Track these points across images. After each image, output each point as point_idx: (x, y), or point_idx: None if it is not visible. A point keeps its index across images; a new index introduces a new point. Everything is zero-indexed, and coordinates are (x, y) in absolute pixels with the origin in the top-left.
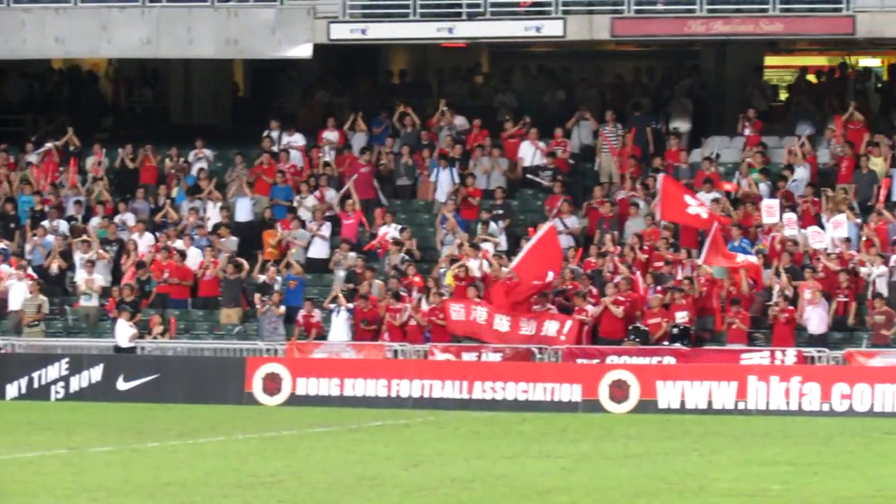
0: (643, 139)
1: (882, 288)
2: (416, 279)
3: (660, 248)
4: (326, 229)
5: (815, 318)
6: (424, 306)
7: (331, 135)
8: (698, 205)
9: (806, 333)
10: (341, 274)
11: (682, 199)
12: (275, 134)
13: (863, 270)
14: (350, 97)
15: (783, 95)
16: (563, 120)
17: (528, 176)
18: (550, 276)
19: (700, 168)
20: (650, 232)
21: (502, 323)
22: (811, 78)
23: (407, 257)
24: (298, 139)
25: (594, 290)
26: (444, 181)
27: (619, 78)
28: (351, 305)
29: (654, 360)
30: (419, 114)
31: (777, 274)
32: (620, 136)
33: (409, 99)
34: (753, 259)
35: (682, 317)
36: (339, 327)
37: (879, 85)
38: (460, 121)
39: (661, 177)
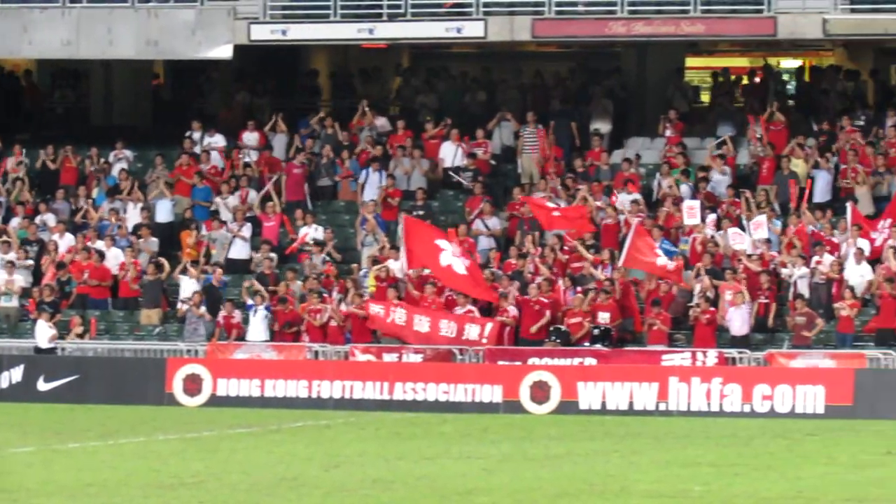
0: (565, 140)
1: (803, 289)
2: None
3: (580, 249)
4: (247, 230)
5: (738, 320)
6: (344, 307)
7: (251, 136)
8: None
9: (728, 335)
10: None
11: (545, 206)
12: (196, 135)
13: (784, 272)
14: (271, 98)
15: (705, 97)
16: (485, 121)
17: (450, 175)
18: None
19: (620, 169)
20: (571, 233)
21: (422, 324)
22: (733, 79)
23: (328, 258)
24: (219, 140)
25: (515, 292)
26: (373, 183)
27: (541, 79)
28: (267, 304)
29: (576, 361)
30: (341, 115)
31: (698, 275)
32: (541, 137)
33: (330, 100)
34: (671, 265)
35: (603, 318)
36: (258, 327)
37: (792, 87)
38: (382, 122)
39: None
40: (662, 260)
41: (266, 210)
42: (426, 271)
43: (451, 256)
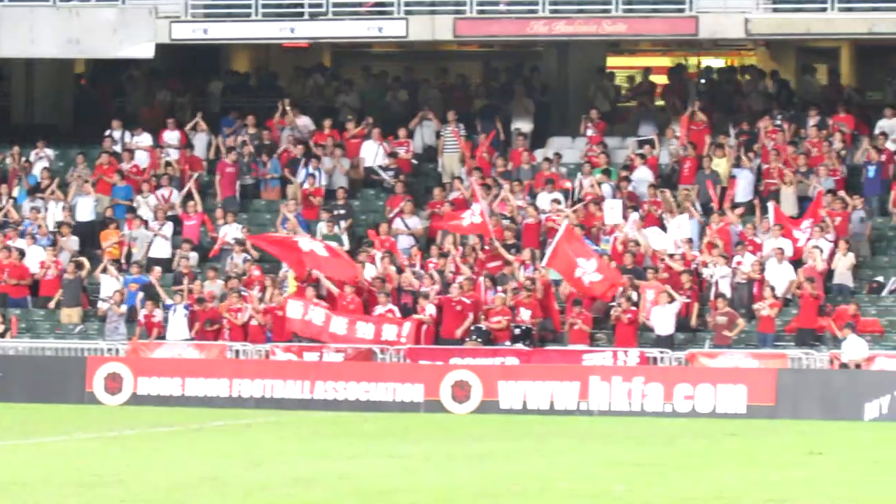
0: (495, 141)
1: (725, 289)
2: (258, 278)
3: (500, 249)
4: (168, 229)
5: (661, 319)
6: (265, 306)
7: (171, 134)
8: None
9: (649, 335)
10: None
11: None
12: (116, 133)
13: (705, 271)
14: (192, 97)
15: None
16: (406, 120)
17: (372, 175)
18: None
19: (540, 169)
20: (493, 232)
21: (339, 325)
22: (655, 79)
23: (248, 257)
24: (146, 139)
25: (436, 290)
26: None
27: (462, 78)
28: (186, 303)
29: (497, 360)
30: (262, 114)
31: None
32: (463, 136)
33: (252, 99)
34: (587, 280)
35: (524, 317)
36: (178, 325)
37: (713, 85)
38: (304, 121)
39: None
40: (581, 272)
41: (187, 209)
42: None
43: (309, 242)
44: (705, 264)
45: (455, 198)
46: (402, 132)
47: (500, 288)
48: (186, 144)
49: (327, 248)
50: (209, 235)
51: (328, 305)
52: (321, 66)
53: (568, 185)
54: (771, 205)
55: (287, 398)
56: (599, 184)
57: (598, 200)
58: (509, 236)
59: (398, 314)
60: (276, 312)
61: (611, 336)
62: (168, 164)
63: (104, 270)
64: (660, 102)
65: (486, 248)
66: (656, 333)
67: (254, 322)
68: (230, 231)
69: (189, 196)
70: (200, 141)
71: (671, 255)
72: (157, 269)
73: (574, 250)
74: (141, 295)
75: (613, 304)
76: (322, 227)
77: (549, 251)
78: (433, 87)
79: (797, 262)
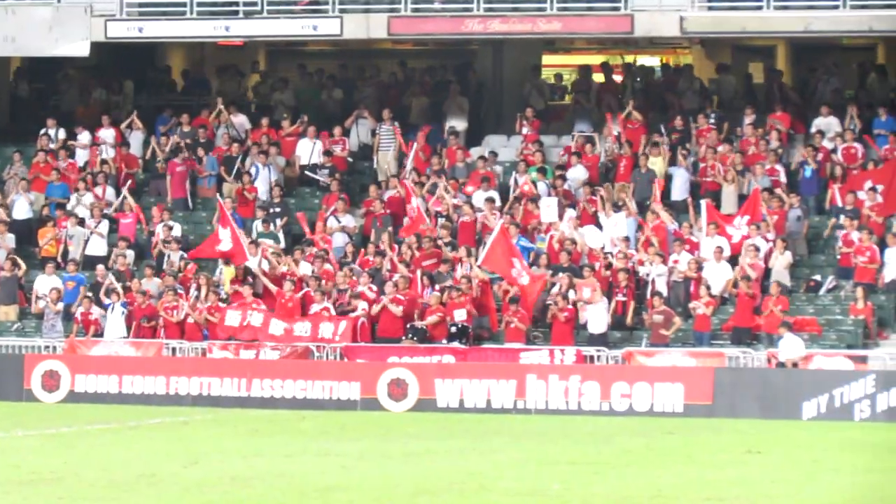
0: (428, 137)
1: (661, 287)
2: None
3: (438, 246)
4: (104, 227)
5: (595, 318)
6: (200, 305)
7: (107, 132)
8: (520, 271)
9: (586, 333)
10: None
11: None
12: (52, 131)
13: (641, 270)
14: (127, 95)
15: (564, 94)
16: (342, 119)
17: (306, 174)
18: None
19: (476, 167)
20: (428, 230)
21: (277, 327)
22: (596, 78)
23: (184, 255)
24: (84, 137)
25: (373, 288)
26: (264, 178)
27: (397, 77)
28: (123, 300)
29: (434, 358)
30: (196, 112)
31: (555, 273)
32: (398, 134)
33: (186, 98)
34: (524, 279)
35: (460, 315)
36: (115, 323)
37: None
38: (241, 119)
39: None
40: (517, 271)
41: (123, 207)
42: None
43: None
44: (642, 262)
45: (391, 196)
46: (337, 130)
47: (436, 286)
48: (122, 142)
49: (232, 236)
50: (145, 232)
51: (265, 307)
52: (256, 64)
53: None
54: (703, 203)
55: (224, 396)
56: (535, 182)
57: (534, 198)
58: (445, 234)
59: (333, 312)
60: (212, 314)
61: (548, 335)
62: (104, 161)
63: (43, 268)
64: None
65: (423, 246)
66: (590, 331)
67: (190, 320)
68: (161, 231)
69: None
70: (136, 139)
71: (607, 254)
72: (101, 268)
73: (509, 250)
74: (82, 291)
75: (550, 302)
76: (258, 226)
77: (484, 251)
78: (368, 85)
79: (733, 258)
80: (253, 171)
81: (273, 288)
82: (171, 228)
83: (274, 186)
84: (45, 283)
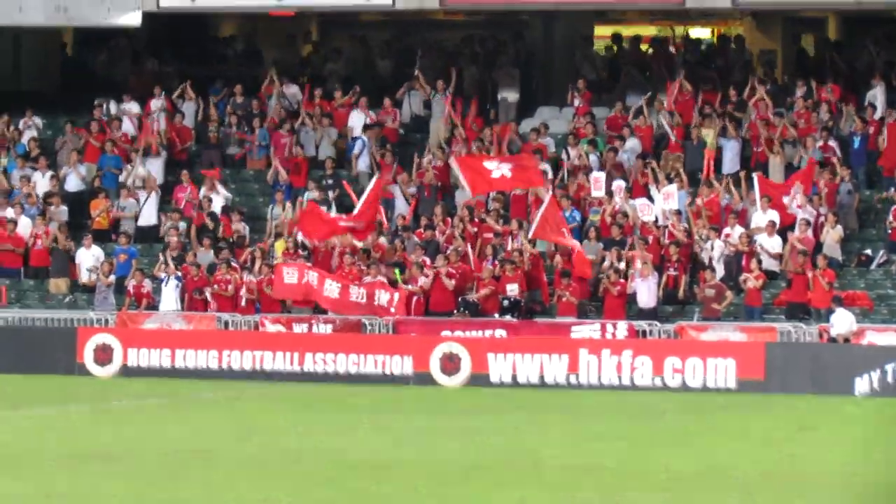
0: (480, 108)
1: (713, 261)
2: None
3: (488, 219)
4: (155, 199)
5: (645, 292)
6: (253, 278)
7: (158, 103)
8: (499, 165)
9: (637, 307)
10: (172, 240)
11: (482, 167)
12: (107, 104)
13: (694, 243)
14: (179, 66)
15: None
16: (394, 89)
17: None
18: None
19: (527, 139)
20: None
21: (332, 288)
22: (644, 48)
23: (242, 228)
24: (133, 107)
25: (426, 262)
26: (363, 160)
27: (449, 47)
28: (177, 274)
29: (486, 333)
30: (249, 83)
31: (607, 247)
32: (450, 104)
33: (239, 68)
34: (577, 244)
35: (512, 289)
36: (169, 297)
37: (700, 56)
38: (293, 90)
39: (453, 159)
40: (568, 240)
41: (181, 179)
42: (335, 241)
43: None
44: (694, 236)
45: (438, 166)
46: (388, 101)
47: (489, 259)
48: (174, 113)
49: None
50: (196, 204)
51: (321, 270)
52: (308, 35)
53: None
54: (756, 176)
55: (276, 370)
56: (586, 154)
57: (586, 172)
58: (497, 207)
59: (387, 284)
60: (264, 287)
61: (599, 308)
62: (157, 132)
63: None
64: (648, 72)
65: (476, 219)
66: (641, 306)
67: (243, 294)
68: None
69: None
70: (189, 110)
71: (658, 227)
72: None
73: (560, 221)
74: (134, 264)
75: (602, 276)
76: (311, 197)
77: (535, 223)
78: (420, 55)
79: (783, 231)
80: (306, 141)
81: (333, 262)
82: (210, 201)
83: (326, 158)
84: (91, 257)
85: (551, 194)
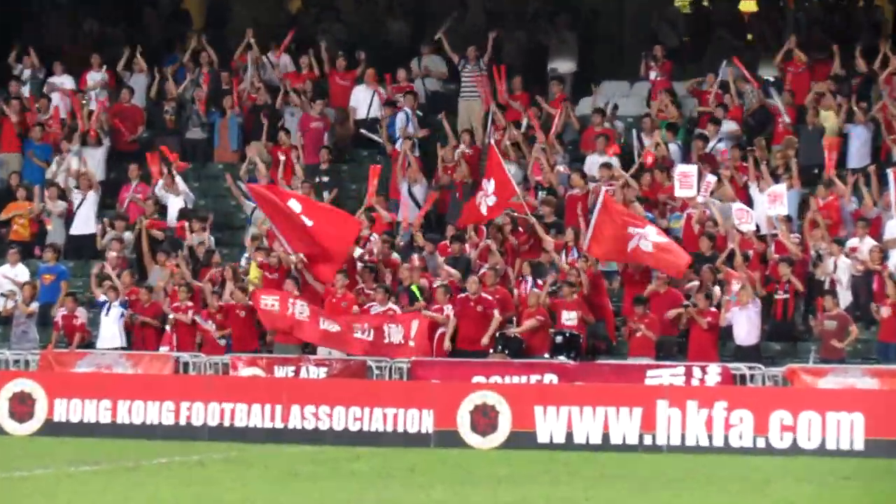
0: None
1: (835, 283)
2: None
3: (538, 229)
4: (93, 200)
5: (744, 324)
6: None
7: (97, 76)
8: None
9: (733, 344)
10: (114, 255)
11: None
12: (28, 72)
13: (809, 260)
14: (126, 28)
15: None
16: (410, 58)
17: (362, 132)
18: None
19: (589, 123)
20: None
21: (332, 324)
22: (746, 6)
23: (205, 240)
24: (66, 81)
25: (455, 281)
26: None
27: (486, 6)
28: (123, 299)
29: (532, 378)
30: (219, 50)
31: (693, 266)
32: (484, 82)
33: (206, 29)
34: (662, 240)
35: (569, 319)
36: (110, 330)
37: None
38: (285, 60)
39: (602, 193)
40: (638, 239)
41: (129, 174)
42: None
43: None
44: (809, 250)
45: (469, 155)
46: (403, 74)
47: (536, 281)
48: (118, 89)
49: (323, 212)
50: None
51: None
52: None
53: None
54: (890, 172)
55: (252, 427)
56: (666, 143)
57: (665, 165)
58: (548, 212)
59: (398, 312)
60: (237, 312)
61: (683, 346)
62: (91, 113)
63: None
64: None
65: (520, 228)
66: (739, 342)
67: (210, 326)
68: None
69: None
70: (139, 84)
71: (761, 238)
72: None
73: (620, 222)
74: (64, 287)
75: (686, 303)
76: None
77: (588, 233)
78: (447, 14)
79: None
80: (292, 126)
81: (319, 288)
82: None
83: (321, 148)
84: (11, 276)
85: (605, 192)
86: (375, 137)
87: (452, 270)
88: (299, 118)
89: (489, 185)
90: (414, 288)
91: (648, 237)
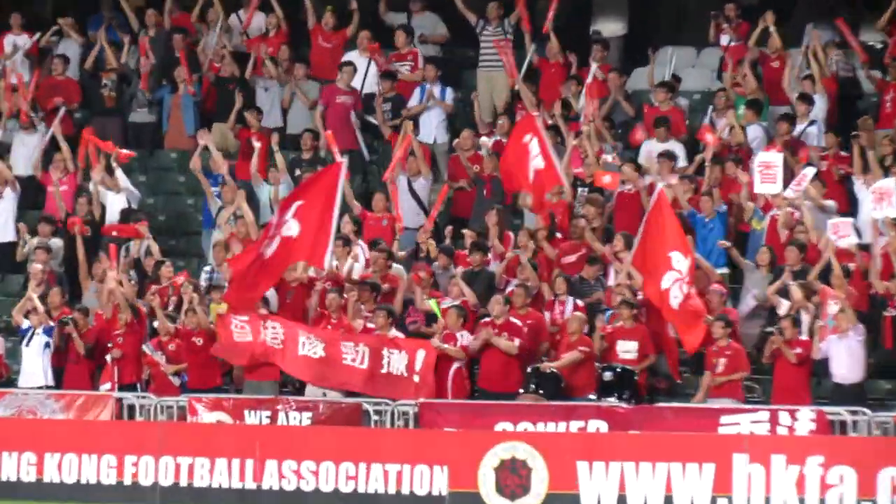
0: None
1: None
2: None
3: (587, 235)
4: (11, 198)
5: (844, 356)
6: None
7: (19, 40)
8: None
9: (829, 382)
10: (38, 267)
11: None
12: None
13: None
14: None
15: None
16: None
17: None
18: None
19: (644, 100)
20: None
21: (313, 346)
22: None
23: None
24: None
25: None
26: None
27: None
28: (47, 325)
29: (573, 425)
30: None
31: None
32: (507, 49)
33: None
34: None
35: (626, 352)
36: (34, 363)
37: None
38: (259, 20)
39: (658, 191)
40: (672, 284)
41: (53, 166)
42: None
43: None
44: None
45: (494, 142)
46: (402, 38)
47: (579, 303)
48: (41, 57)
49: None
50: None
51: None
52: None
53: (709, 137)
54: None
55: (217, 488)
56: (743, 126)
57: (742, 154)
58: (593, 214)
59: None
60: (194, 340)
61: (767, 385)
62: (14, 88)
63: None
64: None
65: (558, 233)
66: (837, 380)
67: (161, 361)
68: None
69: (57, 147)
70: (72, 51)
71: (865, 249)
72: (37, 268)
73: (671, 241)
74: None
75: (771, 329)
76: (268, 193)
77: (635, 241)
78: None
79: None
80: (265, 103)
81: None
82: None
83: (303, 131)
84: None
85: (660, 189)
86: (371, 119)
87: (466, 289)
88: (319, 91)
89: (534, 146)
90: (432, 304)
91: (684, 287)
